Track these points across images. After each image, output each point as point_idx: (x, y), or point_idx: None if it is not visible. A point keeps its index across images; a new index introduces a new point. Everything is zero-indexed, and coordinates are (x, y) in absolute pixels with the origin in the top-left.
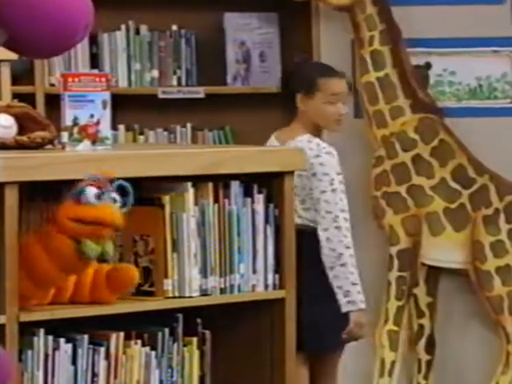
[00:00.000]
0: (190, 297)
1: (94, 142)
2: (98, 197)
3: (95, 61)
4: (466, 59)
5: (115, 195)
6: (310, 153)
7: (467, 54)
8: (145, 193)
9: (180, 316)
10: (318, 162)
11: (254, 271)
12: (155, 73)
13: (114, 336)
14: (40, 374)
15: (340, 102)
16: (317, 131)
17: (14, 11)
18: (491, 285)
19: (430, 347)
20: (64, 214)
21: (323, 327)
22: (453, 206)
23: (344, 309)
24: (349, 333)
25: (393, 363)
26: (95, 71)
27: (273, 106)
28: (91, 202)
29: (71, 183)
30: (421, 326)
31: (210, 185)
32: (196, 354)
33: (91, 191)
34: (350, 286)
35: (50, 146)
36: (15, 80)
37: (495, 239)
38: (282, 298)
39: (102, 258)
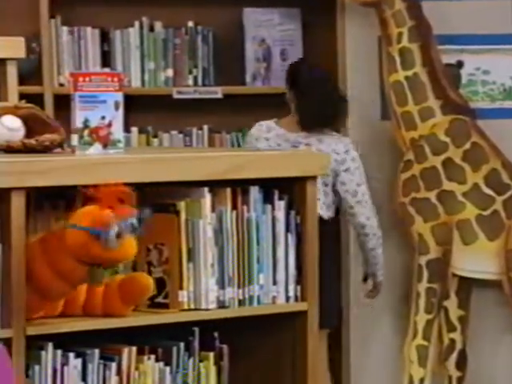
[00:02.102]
0: (207, 309)
1: (105, 146)
2: (119, 235)
3: (107, 59)
4: (500, 57)
5: (134, 221)
6: (339, 148)
7: (502, 51)
8: (159, 199)
9: (196, 329)
10: (350, 157)
11: (275, 282)
12: (170, 72)
13: (126, 350)
14: None
15: None
16: None
17: None
18: None
19: (462, 363)
20: (75, 243)
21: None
22: (486, 213)
23: (379, 278)
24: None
25: (422, 380)
26: (107, 70)
27: None
28: (113, 246)
29: (82, 189)
30: (452, 341)
31: (228, 190)
32: (213, 369)
33: (113, 232)
34: (382, 262)
35: (59, 150)
36: (22, 80)
37: None
38: (305, 310)
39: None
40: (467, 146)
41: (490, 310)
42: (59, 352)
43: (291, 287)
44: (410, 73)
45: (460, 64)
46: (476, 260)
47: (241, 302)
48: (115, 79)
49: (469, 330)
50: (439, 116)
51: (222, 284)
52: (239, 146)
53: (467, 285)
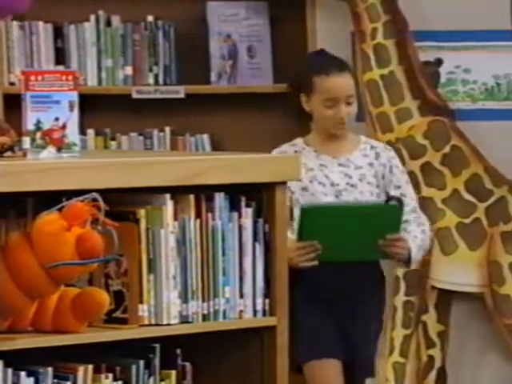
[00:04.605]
0: (169, 324)
1: (59, 149)
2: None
3: (61, 56)
4: (481, 54)
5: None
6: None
7: (483, 48)
8: (117, 206)
9: (157, 346)
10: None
11: (241, 295)
12: (129, 70)
13: (81, 369)
14: None
15: (340, 103)
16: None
17: None
18: (510, 311)
19: (441, 381)
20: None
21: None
22: (467, 221)
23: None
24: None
25: None
26: (61, 68)
27: (263, 108)
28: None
29: (34, 196)
30: (430, 358)
31: (192, 197)
32: None
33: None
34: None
35: (9, 154)
36: None
37: None
38: (273, 325)
39: None
40: (447, 149)
41: (472, 325)
42: (10, 370)
43: (259, 301)
44: (385, 71)
45: (439, 62)
46: (456, 271)
47: (205, 317)
48: (70, 78)
49: (449, 347)
50: (417, 117)
51: (184, 297)
52: (203, 149)
53: (447, 298)
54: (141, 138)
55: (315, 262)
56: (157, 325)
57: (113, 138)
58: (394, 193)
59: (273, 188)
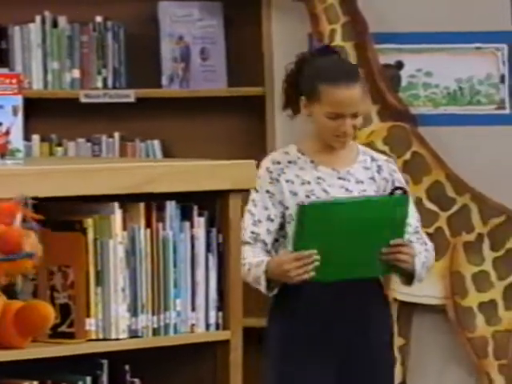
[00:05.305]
0: (117, 339)
1: (2, 155)
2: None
3: (4, 59)
4: (443, 57)
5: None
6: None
7: (445, 51)
8: (63, 215)
9: (105, 362)
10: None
11: (194, 308)
12: (76, 73)
13: None
14: None
15: (345, 117)
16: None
17: None
18: (473, 324)
19: None
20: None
21: None
22: (429, 230)
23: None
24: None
25: None
26: (4, 71)
27: (217, 112)
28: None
29: None
30: None
31: (141, 206)
32: None
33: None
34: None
35: None
36: None
37: (478, 270)
38: (227, 339)
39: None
40: (407, 155)
41: (433, 338)
42: None
43: (212, 314)
44: None
45: (399, 65)
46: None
47: (155, 331)
48: (14, 81)
49: (409, 361)
50: (377, 122)
51: (134, 311)
52: (154, 156)
53: (408, 310)
54: (88, 144)
55: (312, 274)
56: (105, 339)
57: (59, 144)
58: None
59: (226, 196)
